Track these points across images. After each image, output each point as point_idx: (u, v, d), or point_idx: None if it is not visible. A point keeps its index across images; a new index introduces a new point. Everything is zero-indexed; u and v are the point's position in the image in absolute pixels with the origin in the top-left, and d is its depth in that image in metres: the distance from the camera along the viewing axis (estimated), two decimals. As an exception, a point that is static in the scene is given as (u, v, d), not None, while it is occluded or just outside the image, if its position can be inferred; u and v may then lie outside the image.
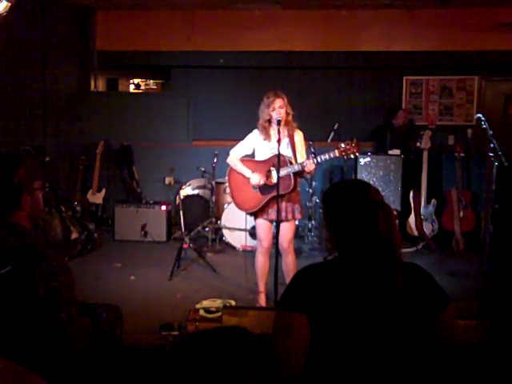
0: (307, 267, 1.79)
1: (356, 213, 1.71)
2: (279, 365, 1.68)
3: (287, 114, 4.04)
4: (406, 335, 1.67)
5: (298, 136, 4.14)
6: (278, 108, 3.97)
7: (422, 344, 1.69)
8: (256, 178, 4.07)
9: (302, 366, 1.66)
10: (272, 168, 4.05)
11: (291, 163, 3.96)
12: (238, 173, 4.18)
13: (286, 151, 4.00)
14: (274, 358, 1.70)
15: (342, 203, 1.75)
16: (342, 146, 3.85)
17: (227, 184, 4.34)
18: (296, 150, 4.08)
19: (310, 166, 3.91)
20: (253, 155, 4.25)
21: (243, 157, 4.23)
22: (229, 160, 4.25)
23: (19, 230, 1.91)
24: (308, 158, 4.03)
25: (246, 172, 4.12)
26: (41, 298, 1.80)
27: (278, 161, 3.78)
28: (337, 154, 3.87)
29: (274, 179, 4.02)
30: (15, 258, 1.82)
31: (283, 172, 3.86)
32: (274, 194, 3.96)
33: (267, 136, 4.09)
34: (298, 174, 4.05)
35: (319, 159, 3.90)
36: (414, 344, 1.68)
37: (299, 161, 4.00)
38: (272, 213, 4.05)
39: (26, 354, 1.81)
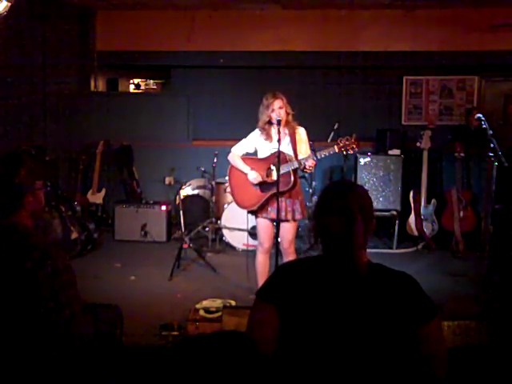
0: (288, 262, 1.95)
1: (319, 214, 1.77)
2: None
3: (287, 113, 4.04)
4: (368, 341, 1.64)
5: (300, 134, 4.14)
6: (277, 109, 3.97)
7: (391, 352, 1.66)
8: (253, 175, 4.08)
9: (268, 353, 1.69)
10: (272, 166, 4.06)
11: (291, 161, 3.96)
12: (238, 170, 4.19)
13: (286, 149, 4.01)
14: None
15: (317, 204, 1.82)
16: (341, 141, 3.86)
17: (228, 182, 4.34)
18: (297, 147, 4.08)
19: (310, 162, 3.92)
20: (254, 154, 4.25)
21: (244, 155, 4.23)
22: (229, 157, 4.26)
23: (22, 230, 1.91)
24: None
25: (245, 168, 4.13)
26: (45, 297, 1.80)
27: (278, 161, 3.79)
28: (336, 150, 3.88)
29: (274, 177, 4.03)
30: (18, 257, 1.82)
31: (283, 169, 3.87)
32: (274, 191, 3.97)
33: (268, 137, 4.10)
34: (300, 170, 4.06)
35: (319, 156, 3.92)
36: (379, 350, 1.65)
37: (300, 158, 4.01)
38: (272, 211, 4.05)
39: (29, 351, 1.82)
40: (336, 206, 1.72)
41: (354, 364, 1.64)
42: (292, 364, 1.70)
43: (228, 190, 4.36)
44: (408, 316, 1.67)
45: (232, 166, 4.25)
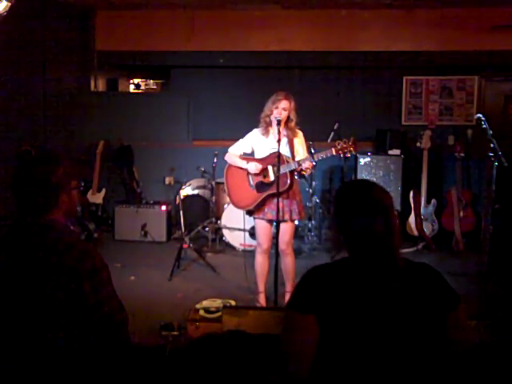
0: (315, 268, 1.80)
1: (354, 214, 1.73)
2: (288, 365, 1.70)
3: (289, 118, 4.05)
4: (413, 335, 1.67)
5: (298, 137, 4.16)
6: (281, 108, 3.99)
7: (432, 344, 1.69)
8: (252, 166, 4.08)
9: (309, 366, 1.67)
10: (268, 166, 4.06)
11: (288, 162, 3.97)
12: (235, 170, 4.19)
13: (284, 150, 4.01)
14: (282, 359, 1.71)
15: (344, 203, 1.78)
16: (339, 144, 3.88)
17: (224, 182, 4.33)
18: (294, 150, 4.09)
19: (307, 164, 3.93)
20: (252, 154, 4.26)
21: (241, 155, 4.24)
22: (227, 157, 4.27)
23: (58, 228, 1.94)
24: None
25: (242, 163, 4.13)
26: (85, 294, 1.83)
27: (278, 161, 3.79)
28: (333, 153, 3.89)
29: (271, 177, 4.04)
30: (58, 255, 1.84)
31: (280, 170, 3.87)
32: (270, 191, 3.99)
33: (266, 131, 4.11)
34: (296, 173, 4.07)
35: (316, 158, 3.92)
36: (422, 344, 1.68)
37: (297, 159, 4.02)
38: (268, 212, 4.06)
39: (68, 349, 1.84)
40: (375, 206, 1.72)
41: (400, 359, 1.66)
42: (337, 370, 1.68)
43: (225, 190, 4.36)
44: (439, 304, 1.71)
45: (229, 166, 4.25)
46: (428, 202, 6.30)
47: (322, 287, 1.70)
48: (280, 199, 3.90)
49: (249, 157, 4.24)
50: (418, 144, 6.25)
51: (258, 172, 4.08)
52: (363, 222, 1.71)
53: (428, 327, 1.68)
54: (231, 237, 6.04)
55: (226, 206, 6.07)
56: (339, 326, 1.66)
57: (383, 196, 1.76)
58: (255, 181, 4.14)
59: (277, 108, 3.99)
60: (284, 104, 3.99)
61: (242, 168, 4.15)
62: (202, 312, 3.78)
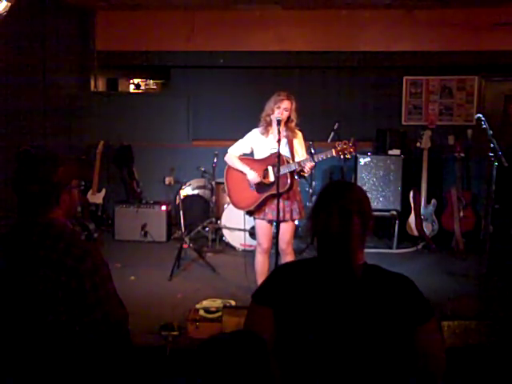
0: (283, 265, 1.95)
1: (316, 214, 1.76)
2: None
3: (290, 119, 4.05)
4: (363, 342, 1.65)
5: (297, 137, 4.16)
6: (282, 108, 3.99)
7: (388, 352, 1.66)
8: (252, 175, 4.08)
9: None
10: (268, 167, 4.07)
11: (288, 162, 3.97)
12: (235, 171, 4.19)
13: (284, 150, 4.01)
14: None
15: (315, 203, 1.81)
16: (339, 145, 3.88)
17: (225, 182, 4.34)
18: (294, 150, 4.10)
19: (308, 165, 3.93)
20: (251, 155, 4.26)
21: (241, 155, 4.24)
22: (227, 158, 4.27)
23: (59, 227, 1.95)
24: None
25: (244, 168, 4.13)
26: (87, 291, 1.84)
27: (279, 161, 3.79)
28: (334, 154, 3.90)
29: (271, 178, 4.04)
30: (58, 254, 1.84)
31: (280, 171, 3.87)
32: (270, 192, 4.00)
33: (265, 131, 4.11)
34: (296, 173, 4.07)
35: (316, 159, 3.93)
36: (375, 351, 1.65)
37: (297, 160, 4.02)
38: (269, 212, 4.06)
39: (68, 346, 1.84)
40: (334, 207, 1.70)
41: (349, 366, 1.64)
42: (288, 365, 1.70)
43: (225, 190, 4.36)
44: (404, 317, 1.67)
45: (229, 167, 4.26)
46: (428, 202, 6.30)
47: (282, 283, 1.78)
48: (280, 200, 3.90)
49: (248, 157, 4.24)
50: (418, 144, 6.25)
51: (257, 182, 4.08)
52: (320, 223, 1.73)
53: (385, 337, 1.65)
54: (231, 237, 6.04)
55: (226, 206, 6.07)
56: (291, 323, 1.70)
57: (347, 197, 1.72)
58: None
59: (278, 108, 3.99)
60: (286, 104, 4.00)
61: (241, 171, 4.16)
62: (201, 312, 3.79)
